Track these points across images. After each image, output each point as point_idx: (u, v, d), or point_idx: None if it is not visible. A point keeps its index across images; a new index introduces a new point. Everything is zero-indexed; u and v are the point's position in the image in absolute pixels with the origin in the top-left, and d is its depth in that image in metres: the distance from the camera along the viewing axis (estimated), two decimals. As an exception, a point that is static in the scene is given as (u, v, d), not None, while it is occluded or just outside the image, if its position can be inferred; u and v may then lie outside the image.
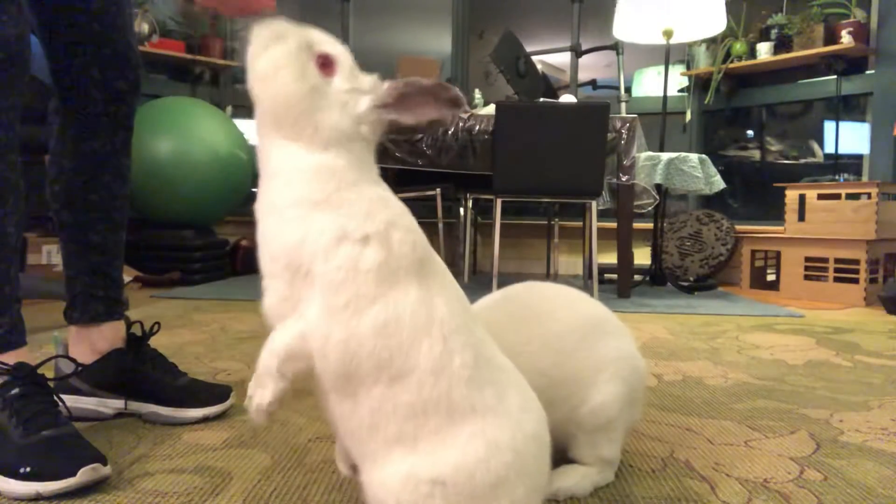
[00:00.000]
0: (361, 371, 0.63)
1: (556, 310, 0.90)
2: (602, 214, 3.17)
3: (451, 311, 0.66)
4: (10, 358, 0.98)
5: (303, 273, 0.64)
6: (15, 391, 0.94)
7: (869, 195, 3.23)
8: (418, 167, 3.19)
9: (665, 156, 3.28)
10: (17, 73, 0.96)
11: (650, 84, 4.70)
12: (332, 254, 0.63)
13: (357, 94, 0.69)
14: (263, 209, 0.68)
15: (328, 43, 0.70)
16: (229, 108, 4.51)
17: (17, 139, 0.99)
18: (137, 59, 1.22)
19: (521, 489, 0.64)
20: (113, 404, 1.21)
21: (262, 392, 0.68)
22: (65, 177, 1.19)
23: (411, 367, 0.62)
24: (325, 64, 0.68)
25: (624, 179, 3.11)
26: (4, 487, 0.88)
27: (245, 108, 4.78)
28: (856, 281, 3.16)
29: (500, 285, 3.22)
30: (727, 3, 3.47)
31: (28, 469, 0.88)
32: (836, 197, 3.34)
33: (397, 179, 4.02)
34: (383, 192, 0.70)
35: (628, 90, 4.07)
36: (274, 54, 0.67)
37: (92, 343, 1.22)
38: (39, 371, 1.00)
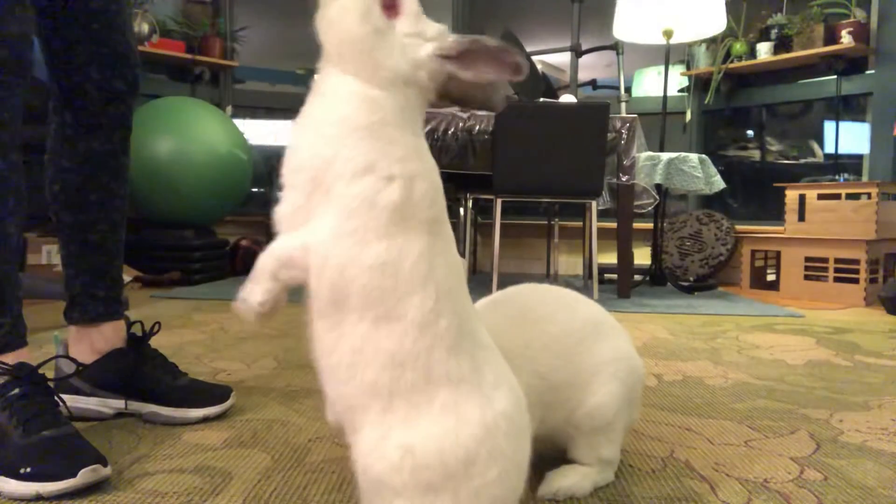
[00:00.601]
0: (350, 302, 0.64)
1: (554, 312, 0.90)
2: (602, 214, 3.17)
3: (448, 275, 0.67)
4: (11, 358, 0.98)
5: (323, 189, 0.65)
6: (15, 391, 0.95)
7: (869, 195, 3.23)
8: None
9: (665, 156, 3.28)
10: (21, 72, 0.96)
11: (650, 84, 4.70)
12: (355, 181, 0.64)
13: (420, 39, 0.70)
14: (302, 123, 0.69)
15: None
16: (229, 108, 4.51)
17: (18, 139, 0.99)
18: (136, 59, 1.22)
19: (493, 470, 0.64)
20: (113, 404, 1.21)
21: (254, 288, 0.69)
22: (63, 176, 1.19)
23: (399, 315, 0.63)
24: (390, 6, 0.69)
25: (624, 179, 3.11)
26: (5, 488, 0.88)
27: (245, 108, 4.78)
28: (856, 281, 3.16)
29: (500, 285, 3.21)
30: (727, 3, 3.47)
31: (28, 469, 0.88)
32: (836, 197, 3.34)
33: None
34: (422, 144, 0.70)
35: (628, 90, 4.07)
36: (341, 15, 0.69)
37: (92, 343, 1.22)
38: (40, 371, 1.00)
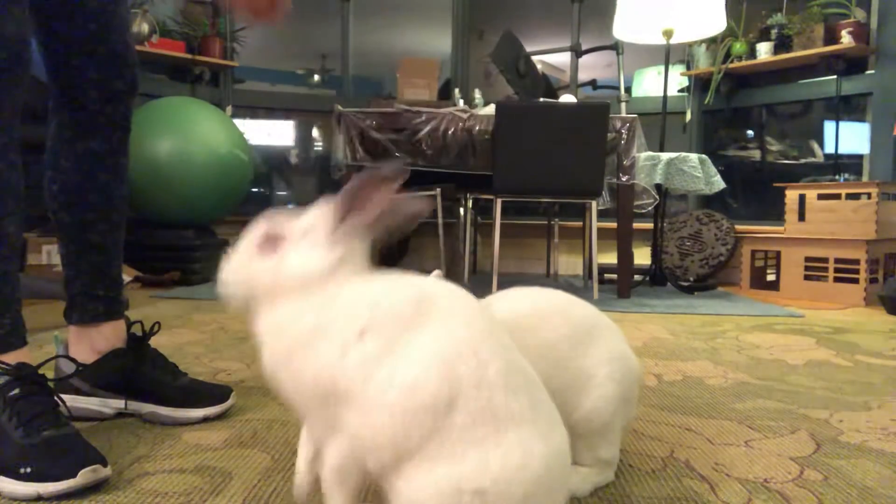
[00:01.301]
0: (418, 430, 0.63)
1: (548, 318, 0.89)
2: (602, 214, 3.17)
3: (469, 327, 0.67)
4: (11, 358, 0.98)
5: (330, 395, 0.66)
6: (15, 391, 0.94)
7: (869, 195, 3.23)
8: (418, 167, 3.19)
9: (665, 156, 3.28)
10: (19, 73, 0.96)
11: (650, 84, 4.70)
12: (338, 368, 0.65)
13: (311, 234, 0.72)
14: (273, 363, 0.71)
15: (261, 225, 0.74)
16: (229, 108, 4.51)
17: (17, 139, 0.99)
18: (134, 59, 1.22)
19: None
20: (113, 404, 1.21)
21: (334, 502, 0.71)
22: (62, 176, 1.19)
23: (457, 393, 0.63)
24: (270, 242, 0.73)
25: (624, 179, 3.11)
26: (5, 488, 0.88)
27: (245, 108, 4.78)
28: (856, 281, 3.16)
29: (500, 285, 3.20)
30: (727, 3, 3.47)
31: (28, 470, 0.88)
32: (836, 197, 3.34)
33: (397, 179, 4.01)
34: (362, 282, 0.71)
35: (628, 90, 4.07)
36: (234, 281, 0.74)
37: (92, 343, 1.22)
38: (40, 371, 1.00)
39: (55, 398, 0.99)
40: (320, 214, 0.73)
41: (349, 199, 0.71)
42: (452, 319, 0.68)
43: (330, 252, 0.71)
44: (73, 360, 1.16)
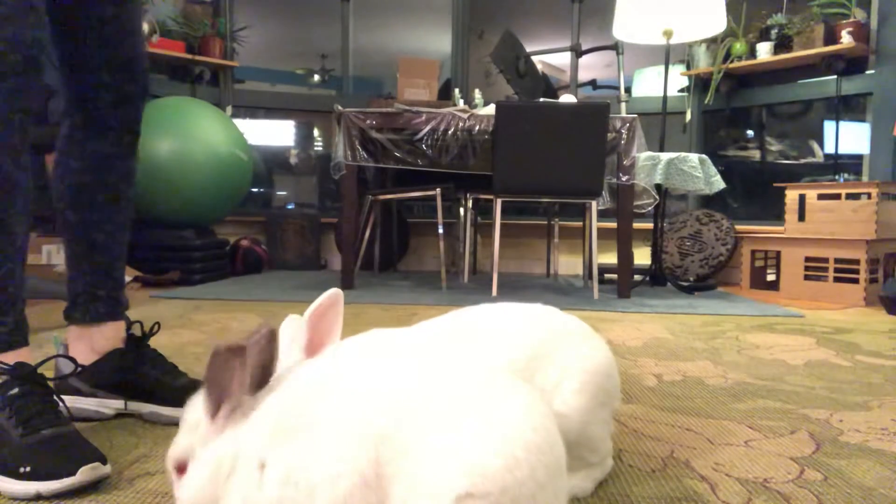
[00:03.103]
0: None
1: (499, 346, 0.84)
2: (602, 214, 3.17)
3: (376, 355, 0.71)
4: (11, 358, 0.98)
5: None
6: (14, 391, 0.95)
7: (869, 195, 3.23)
8: (418, 167, 3.19)
9: (665, 156, 3.28)
10: (33, 76, 0.97)
11: (650, 84, 4.70)
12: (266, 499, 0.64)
13: (200, 438, 0.70)
14: None
15: (168, 456, 0.72)
16: (229, 108, 4.51)
17: (28, 141, 0.99)
18: (145, 63, 1.23)
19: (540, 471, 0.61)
20: (113, 404, 1.21)
21: None
22: (72, 176, 1.20)
23: (376, 457, 0.62)
24: (179, 469, 0.71)
25: (624, 179, 3.11)
26: (4, 487, 0.88)
27: (245, 108, 4.79)
28: (856, 281, 3.16)
29: (500, 285, 3.17)
30: (727, 3, 3.47)
31: (28, 468, 0.88)
32: (836, 197, 3.34)
33: (397, 179, 4.03)
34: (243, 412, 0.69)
35: (628, 90, 4.07)
36: None
37: (92, 343, 1.22)
38: (39, 371, 1.00)
39: (55, 397, 0.99)
40: (201, 413, 0.71)
41: (212, 390, 0.69)
42: (354, 358, 0.71)
43: (217, 446, 0.69)
44: (72, 359, 1.16)
